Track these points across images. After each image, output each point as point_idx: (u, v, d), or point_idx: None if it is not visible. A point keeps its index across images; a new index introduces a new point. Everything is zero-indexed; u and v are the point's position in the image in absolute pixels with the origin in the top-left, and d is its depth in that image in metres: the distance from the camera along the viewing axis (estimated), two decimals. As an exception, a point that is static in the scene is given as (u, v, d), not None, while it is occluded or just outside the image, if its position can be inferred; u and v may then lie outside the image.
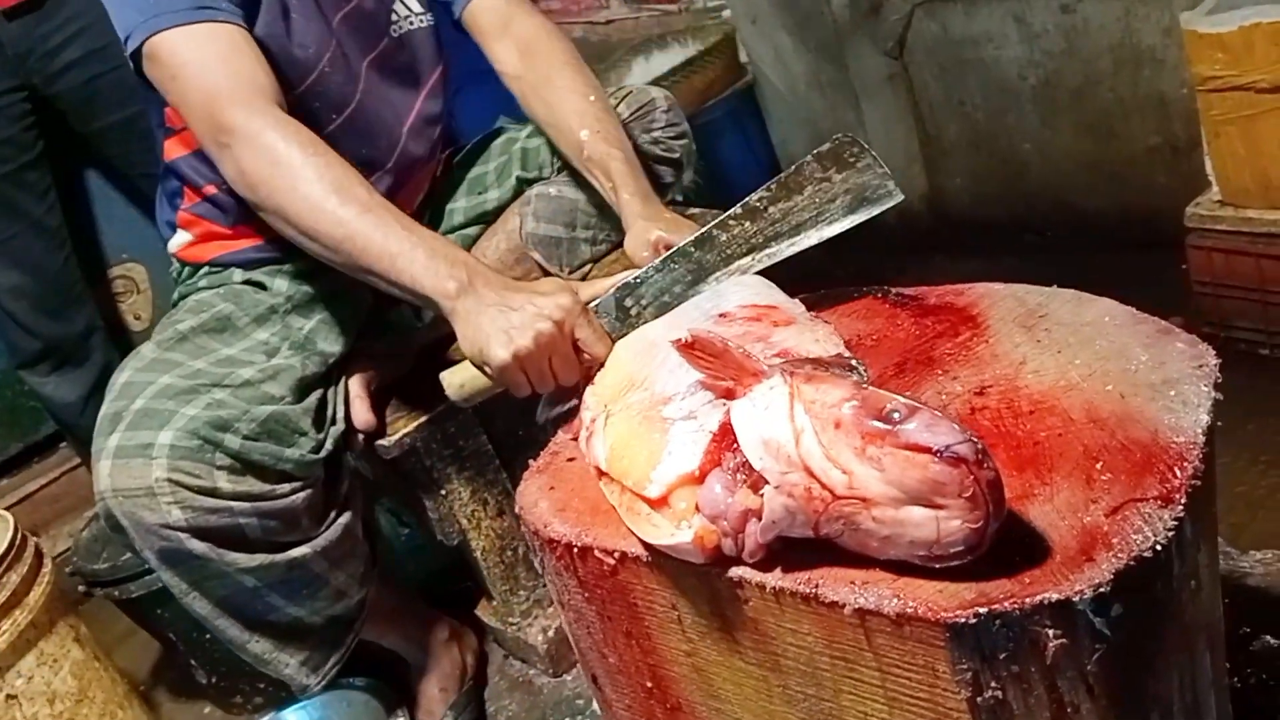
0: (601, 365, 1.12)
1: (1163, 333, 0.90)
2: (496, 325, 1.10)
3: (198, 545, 1.27)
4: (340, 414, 1.47)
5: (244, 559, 1.31)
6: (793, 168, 1.17)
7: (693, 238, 1.18)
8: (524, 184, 1.69)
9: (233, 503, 1.28)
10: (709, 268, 1.17)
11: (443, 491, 1.53)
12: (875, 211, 1.15)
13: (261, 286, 1.51)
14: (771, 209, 1.16)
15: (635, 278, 1.17)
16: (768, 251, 1.17)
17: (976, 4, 2.60)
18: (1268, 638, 1.19)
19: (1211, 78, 1.92)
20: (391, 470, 1.55)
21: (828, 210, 1.16)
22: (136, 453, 1.24)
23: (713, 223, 1.18)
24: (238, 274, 1.52)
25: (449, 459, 1.51)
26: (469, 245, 1.67)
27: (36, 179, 2.19)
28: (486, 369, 1.13)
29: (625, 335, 1.15)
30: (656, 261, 1.18)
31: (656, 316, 1.15)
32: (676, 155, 1.69)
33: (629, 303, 1.16)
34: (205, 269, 1.55)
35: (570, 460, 1.07)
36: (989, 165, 2.82)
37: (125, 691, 1.82)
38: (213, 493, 1.26)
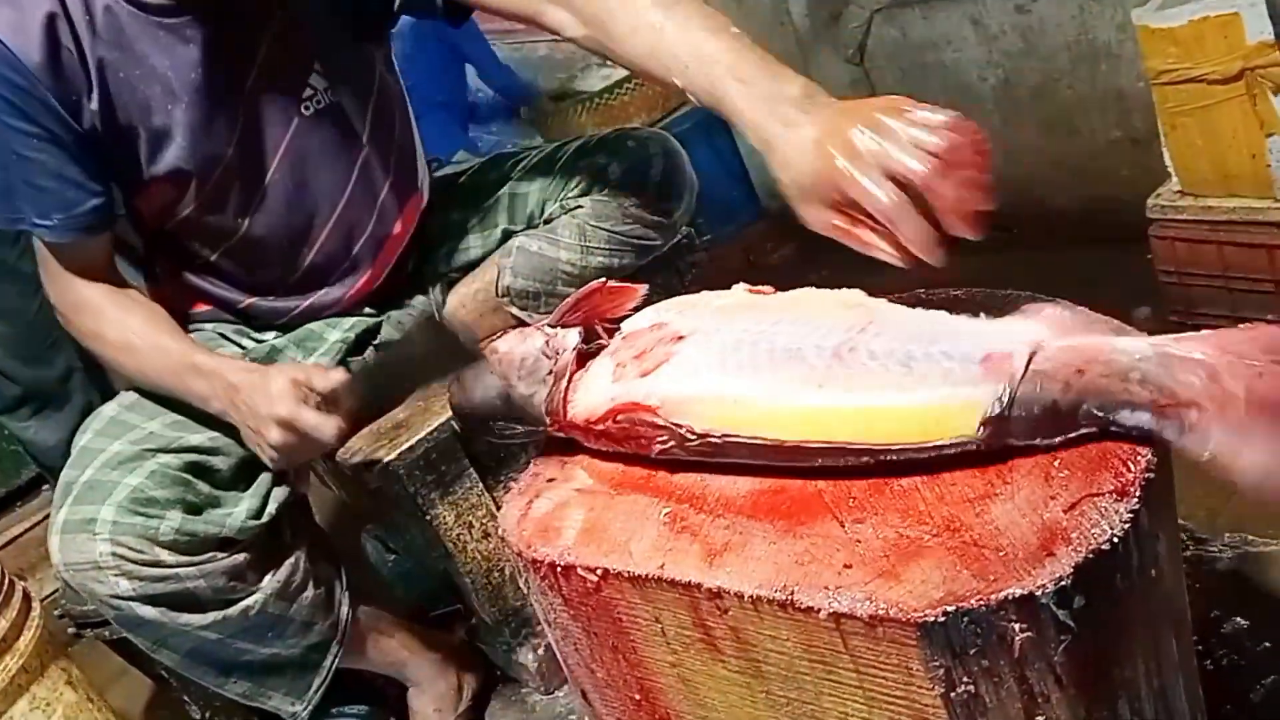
0: (339, 440, 1.33)
1: (1116, 332, 0.92)
2: (251, 439, 1.34)
3: (149, 612, 1.31)
4: (286, 478, 1.50)
5: (197, 619, 1.34)
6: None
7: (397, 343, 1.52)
8: (509, 235, 1.66)
9: (178, 570, 1.31)
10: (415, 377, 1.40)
11: (427, 517, 1.55)
12: None
13: (230, 340, 1.56)
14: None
15: (353, 377, 1.35)
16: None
17: (934, 8, 2.64)
18: (1237, 619, 1.21)
19: (1165, 71, 1.96)
20: (374, 498, 1.56)
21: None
22: (81, 528, 1.28)
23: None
24: (207, 327, 1.57)
25: (432, 484, 1.53)
26: (449, 289, 1.67)
27: None
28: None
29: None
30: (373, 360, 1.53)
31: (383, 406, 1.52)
32: (668, 221, 1.62)
33: (355, 391, 1.34)
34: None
35: (550, 481, 1.09)
36: (955, 166, 2.86)
37: (119, 731, 1.81)
38: (156, 564, 1.30)
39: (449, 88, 3.83)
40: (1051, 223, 2.65)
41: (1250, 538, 1.33)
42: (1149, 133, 2.24)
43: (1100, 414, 0.80)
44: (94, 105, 1.33)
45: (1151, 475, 0.78)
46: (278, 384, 1.28)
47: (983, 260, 2.84)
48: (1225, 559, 1.30)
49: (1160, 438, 0.79)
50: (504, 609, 1.65)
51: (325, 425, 1.27)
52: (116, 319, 1.40)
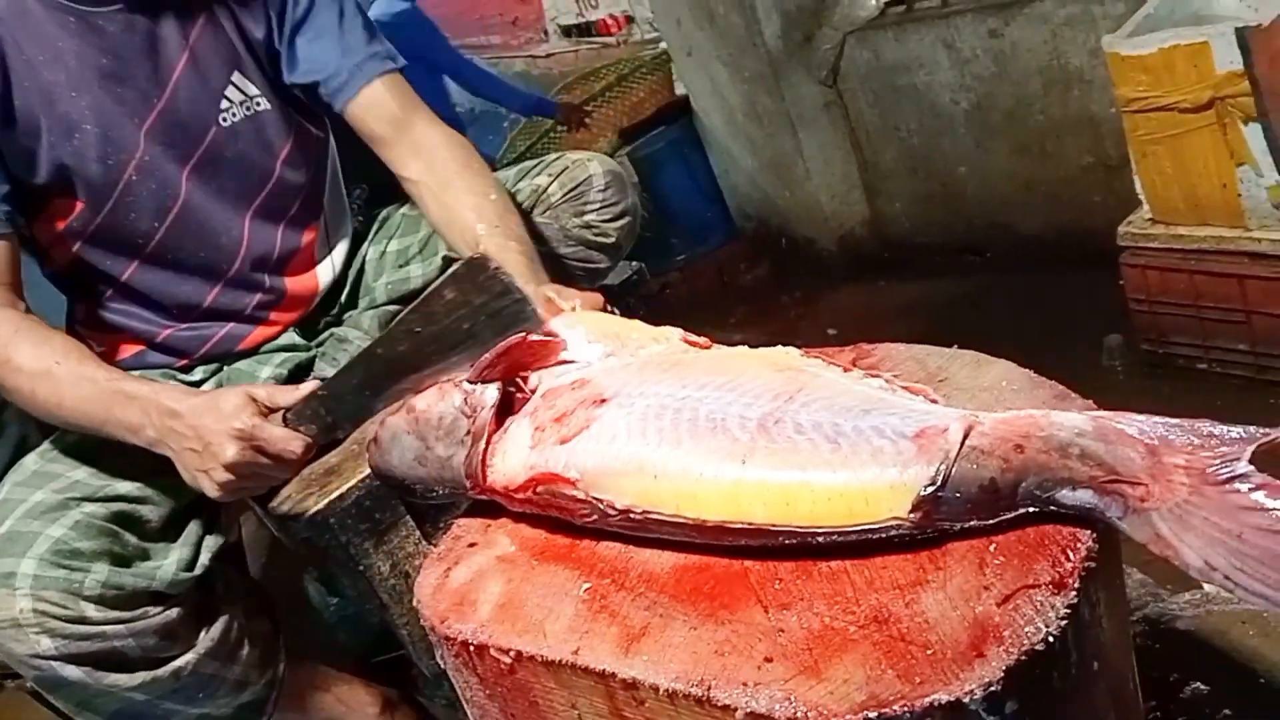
0: (304, 459, 1.22)
1: (1059, 398, 0.87)
2: (195, 465, 1.20)
3: (72, 671, 1.22)
4: (218, 525, 1.43)
5: (125, 679, 1.26)
6: (430, 291, 1.09)
7: (362, 352, 1.18)
8: (450, 262, 1.60)
9: (104, 627, 1.23)
10: (381, 385, 1.15)
11: (360, 567, 1.48)
12: (516, 332, 1.05)
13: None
14: (423, 331, 1.10)
15: (320, 389, 1.20)
16: (426, 371, 1.10)
17: (906, 31, 2.60)
18: (1198, 684, 1.15)
19: (1136, 99, 1.93)
20: (305, 547, 1.49)
21: (476, 334, 1.08)
22: None
23: (373, 342, 1.19)
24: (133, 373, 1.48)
25: (365, 534, 1.46)
26: (388, 322, 1.60)
27: None
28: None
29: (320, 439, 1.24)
30: (334, 374, 1.23)
31: (351, 422, 1.24)
32: (611, 239, 1.60)
33: (320, 409, 1.20)
34: None
35: (471, 546, 1.03)
36: (927, 188, 2.82)
37: (47, 785, 1.74)
38: (82, 620, 1.21)
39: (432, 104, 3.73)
40: (1023, 247, 2.61)
41: (1211, 593, 1.27)
42: (1121, 159, 2.21)
43: (1040, 493, 0.75)
44: None
45: (1093, 564, 0.72)
46: (232, 399, 1.18)
47: (955, 283, 2.82)
48: (1186, 617, 1.24)
49: (1102, 517, 0.74)
50: (445, 661, 1.58)
51: (292, 440, 1.18)
52: (31, 345, 1.27)
